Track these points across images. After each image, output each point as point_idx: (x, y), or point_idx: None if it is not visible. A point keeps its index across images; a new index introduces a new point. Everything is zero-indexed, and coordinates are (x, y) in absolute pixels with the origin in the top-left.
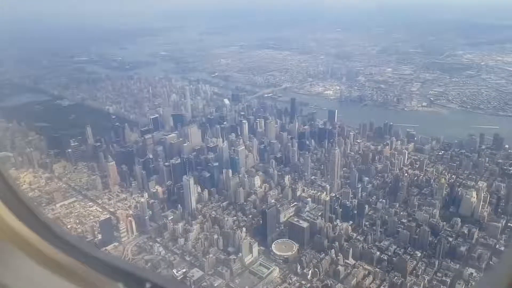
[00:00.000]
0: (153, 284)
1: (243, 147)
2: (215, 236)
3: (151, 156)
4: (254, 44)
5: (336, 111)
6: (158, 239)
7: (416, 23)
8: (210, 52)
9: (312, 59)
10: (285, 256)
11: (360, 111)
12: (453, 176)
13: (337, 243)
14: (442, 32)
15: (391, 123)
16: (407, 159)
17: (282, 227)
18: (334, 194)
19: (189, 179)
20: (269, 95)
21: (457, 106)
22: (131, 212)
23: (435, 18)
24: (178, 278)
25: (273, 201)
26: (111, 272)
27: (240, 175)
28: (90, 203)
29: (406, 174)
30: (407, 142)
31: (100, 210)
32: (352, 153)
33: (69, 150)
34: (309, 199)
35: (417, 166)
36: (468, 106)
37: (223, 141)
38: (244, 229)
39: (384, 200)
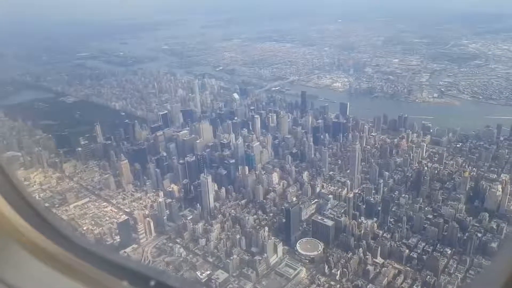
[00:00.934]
0: (158, 282)
1: (258, 143)
2: (237, 236)
3: (164, 153)
4: (256, 36)
5: (348, 104)
6: (177, 240)
7: (417, 13)
8: (212, 46)
9: (317, 51)
10: (311, 256)
11: (371, 103)
12: (473, 169)
13: (364, 242)
14: (445, 21)
15: (406, 115)
16: (425, 152)
17: (305, 225)
18: (356, 190)
19: (207, 177)
20: (277, 88)
21: (468, 97)
22: (147, 212)
23: (436, 7)
24: (203, 281)
25: (294, 199)
26: (115, 270)
27: (256, 172)
28: (104, 203)
29: (426, 168)
30: (423, 134)
31: (115, 210)
32: (368, 146)
33: (79, 148)
34: (330, 196)
35: (436, 159)
36: (480, 97)
37: (235, 137)
38: (266, 228)
39: (406, 196)
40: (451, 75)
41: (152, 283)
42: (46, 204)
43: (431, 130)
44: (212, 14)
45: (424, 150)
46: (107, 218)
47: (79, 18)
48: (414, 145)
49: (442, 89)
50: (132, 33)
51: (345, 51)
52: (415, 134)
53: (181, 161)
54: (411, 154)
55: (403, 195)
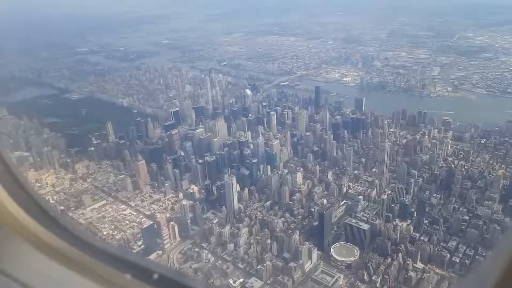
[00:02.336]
0: (160, 275)
1: (278, 141)
2: (268, 241)
3: (182, 153)
4: (257, 30)
5: (364, 99)
6: (203, 245)
7: (416, 5)
8: (214, 40)
9: (321, 44)
10: (347, 262)
11: (385, 98)
12: (502, 166)
13: (402, 246)
14: (446, 13)
15: (425, 111)
16: (449, 149)
17: (336, 229)
18: (387, 191)
19: (231, 178)
20: (286, 83)
21: (483, 91)
22: (168, 214)
23: None
24: None
25: (325, 201)
26: (118, 263)
27: (279, 172)
28: (122, 206)
29: (452, 166)
30: (444, 130)
31: (135, 213)
32: (390, 143)
33: (92, 148)
34: (360, 197)
35: (461, 156)
36: (496, 91)
37: (251, 135)
38: (297, 232)
39: (438, 195)
40: (462, 69)
41: (155, 276)
42: (61, 207)
43: (452, 126)
44: (210, 8)
45: (449, 146)
46: (127, 222)
47: (75, 11)
48: (437, 142)
49: (456, 83)
50: (131, 27)
51: (350, 44)
52: (436, 130)
53: (200, 161)
54: (435, 151)
55: (434, 195)
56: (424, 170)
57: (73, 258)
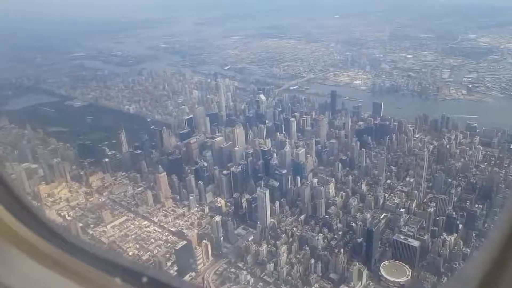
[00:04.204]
0: (149, 278)
1: (303, 149)
2: (312, 260)
3: (204, 163)
4: (256, 33)
5: (382, 103)
6: (239, 264)
7: (413, 6)
8: (213, 43)
9: (324, 47)
10: (400, 282)
11: (400, 102)
12: None
13: (456, 263)
14: (443, 15)
15: (448, 115)
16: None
17: (380, 245)
18: (430, 203)
19: (264, 191)
20: (295, 87)
21: (499, 93)
22: (196, 231)
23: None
24: None
25: (368, 215)
26: (108, 267)
27: (309, 183)
28: (145, 222)
29: (487, 173)
30: (470, 135)
31: (159, 230)
32: (416, 150)
33: (106, 159)
34: (402, 210)
35: (493, 162)
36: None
37: (271, 143)
38: (342, 250)
39: (480, 205)
40: (472, 71)
41: (144, 279)
42: (80, 224)
43: (478, 130)
44: (203, 11)
45: (480, 152)
46: (153, 240)
47: (67, 17)
48: (467, 148)
49: (469, 86)
50: (125, 32)
51: (353, 47)
52: (461, 135)
53: (224, 172)
54: (466, 158)
55: (476, 205)
56: (460, 178)
57: (67, 265)
